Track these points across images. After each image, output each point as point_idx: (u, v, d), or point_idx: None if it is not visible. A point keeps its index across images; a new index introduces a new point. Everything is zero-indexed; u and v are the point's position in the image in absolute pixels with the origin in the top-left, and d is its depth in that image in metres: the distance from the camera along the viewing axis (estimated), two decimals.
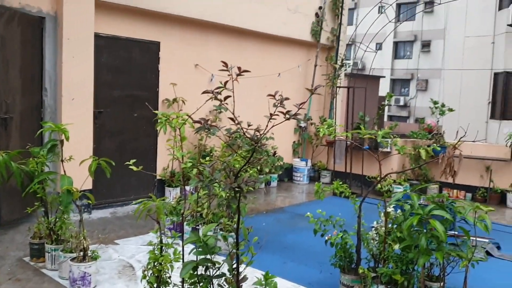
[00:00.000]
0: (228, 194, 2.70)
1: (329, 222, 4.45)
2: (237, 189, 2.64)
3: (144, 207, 3.31)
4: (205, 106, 7.83)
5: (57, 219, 4.74)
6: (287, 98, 2.86)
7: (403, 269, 4.20)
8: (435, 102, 9.69)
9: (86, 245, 4.31)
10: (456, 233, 4.52)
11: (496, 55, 15.52)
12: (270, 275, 2.95)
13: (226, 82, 2.83)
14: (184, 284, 3.31)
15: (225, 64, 2.94)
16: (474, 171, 9.22)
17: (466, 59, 16.59)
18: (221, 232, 4.71)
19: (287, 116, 2.71)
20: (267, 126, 2.82)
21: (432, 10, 29.46)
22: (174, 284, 3.45)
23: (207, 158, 5.80)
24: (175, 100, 8.00)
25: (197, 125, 2.84)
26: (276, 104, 2.82)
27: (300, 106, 2.78)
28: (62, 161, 4.67)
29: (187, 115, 3.49)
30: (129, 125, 7.63)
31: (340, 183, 4.87)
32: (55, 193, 5.32)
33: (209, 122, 2.85)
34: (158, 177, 7.90)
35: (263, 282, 2.91)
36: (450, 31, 18.15)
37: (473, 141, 9.34)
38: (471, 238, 4.15)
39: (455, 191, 9.39)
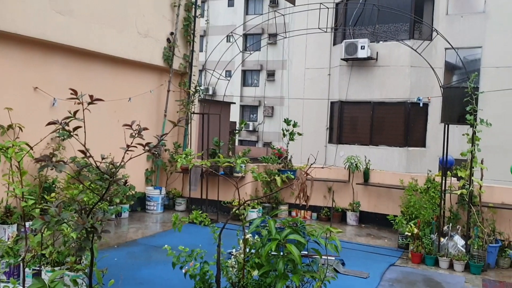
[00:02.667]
0: (79, 235, 2.42)
1: (192, 256, 4.32)
2: (90, 229, 2.38)
3: None
4: (46, 132, 7.15)
5: None
6: (145, 128, 2.71)
7: None
8: (288, 122, 10.12)
9: None
10: (306, 253, 4.73)
11: (332, 86, 17.20)
12: None
13: (76, 112, 2.58)
14: None
15: (74, 92, 2.68)
16: (319, 192, 9.93)
17: (306, 89, 18.04)
18: (69, 274, 4.25)
19: (147, 148, 2.56)
20: (123, 158, 2.63)
21: (275, 42, 31.62)
22: None
23: (53, 195, 5.24)
24: (10, 126, 7.14)
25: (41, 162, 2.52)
26: (134, 134, 2.66)
27: (162, 138, 2.65)
28: None
29: (27, 145, 3.09)
30: None
31: (200, 212, 4.78)
32: None
33: (52, 154, 2.55)
34: None
35: None
36: (292, 62, 19.63)
37: (322, 167, 10.08)
38: (323, 257, 4.40)
39: (302, 211, 9.99)
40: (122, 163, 2.60)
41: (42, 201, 5.09)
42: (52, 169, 2.32)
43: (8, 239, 5.00)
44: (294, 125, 10.09)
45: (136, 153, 2.71)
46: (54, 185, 7.30)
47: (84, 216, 2.36)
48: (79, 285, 3.03)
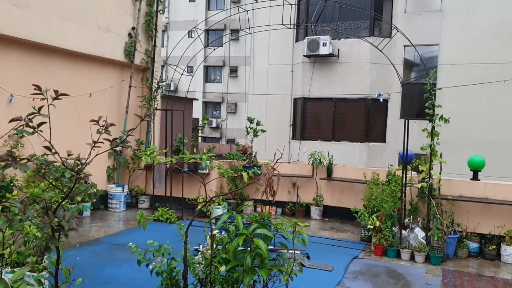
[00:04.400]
0: (45, 234, 2.35)
1: (159, 252, 4.27)
2: (57, 227, 2.32)
3: None
4: (6, 129, 6.89)
5: None
6: (112, 124, 2.65)
7: None
8: (251, 120, 10.17)
9: None
10: (273, 247, 4.77)
11: (295, 82, 17.33)
12: None
13: (40, 108, 2.50)
14: None
15: (38, 88, 2.60)
16: (283, 187, 10.01)
17: (270, 85, 18.10)
18: (32, 274, 4.12)
19: (114, 143, 2.51)
20: (89, 154, 2.57)
21: (238, 38, 31.57)
22: None
23: (14, 193, 5.05)
24: None
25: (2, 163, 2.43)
26: (100, 130, 2.60)
27: (129, 133, 2.61)
28: None
29: None
30: None
31: (165, 209, 4.73)
32: None
33: (11, 152, 2.46)
34: None
35: None
36: (255, 58, 19.65)
37: (288, 162, 10.14)
38: (290, 251, 4.44)
39: (267, 207, 10.04)
40: (89, 160, 2.54)
41: (3, 199, 4.91)
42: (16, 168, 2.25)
43: None
44: (258, 124, 10.13)
45: (103, 149, 2.66)
46: (12, 184, 7.04)
47: (51, 214, 2.29)
48: (43, 285, 2.95)
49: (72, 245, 7.01)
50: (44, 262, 4.78)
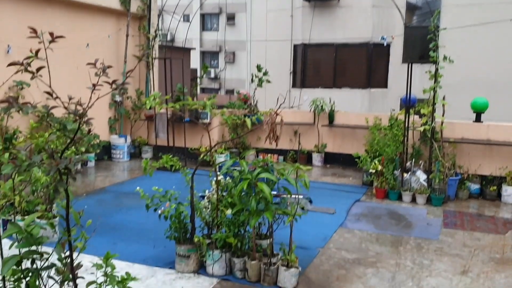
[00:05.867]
0: (54, 178, 2.37)
1: (166, 197, 4.33)
2: (64, 171, 2.33)
3: None
4: (2, 80, 6.81)
5: None
6: (109, 66, 2.61)
7: (236, 232, 4.37)
8: (260, 68, 9.91)
9: None
10: (275, 192, 4.83)
11: (295, 28, 16.97)
12: (110, 254, 2.73)
13: (37, 51, 2.45)
14: (6, 283, 2.85)
15: (34, 31, 2.54)
16: (285, 135, 10.03)
17: (269, 32, 17.73)
18: (41, 222, 4.20)
19: (114, 86, 2.48)
20: (90, 98, 2.55)
21: None
22: None
23: (20, 140, 5.05)
24: None
25: (3, 105, 2.40)
26: (98, 73, 2.56)
27: (128, 74, 2.57)
28: None
29: None
30: None
31: (170, 156, 4.76)
32: None
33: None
34: None
35: (103, 265, 2.68)
36: (253, 4, 19.15)
37: (291, 107, 10.05)
38: (293, 195, 4.52)
39: (269, 155, 10.10)
40: (91, 103, 2.52)
41: (10, 147, 4.95)
42: (13, 117, 2.23)
43: None
44: (265, 73, 9.97)
45: (103, 92, 2.63)
46: (15, 136, 7.06)
47: (57, 158, 2.30)
48: (55, 228, 3.01)
49: (79, 194, 7.11)
50: (53, 210, 4.87)
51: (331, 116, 9.71)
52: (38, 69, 2.57)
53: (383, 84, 16.02)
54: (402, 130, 7.77)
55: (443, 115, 7.45)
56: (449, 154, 7.68)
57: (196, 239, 4.32)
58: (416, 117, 8.14)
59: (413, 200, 7.19)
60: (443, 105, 7.42)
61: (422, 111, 7.49)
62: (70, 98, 2.55)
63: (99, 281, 2.77)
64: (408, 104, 7.56)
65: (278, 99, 4.29)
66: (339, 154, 9.85)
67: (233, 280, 4.23)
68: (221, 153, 9.35)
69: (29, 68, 2.53)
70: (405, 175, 7.39)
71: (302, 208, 6.42)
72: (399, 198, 7.27)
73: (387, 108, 10.31)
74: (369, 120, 9.13)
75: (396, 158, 7.69)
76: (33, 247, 2.66)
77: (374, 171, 7.52)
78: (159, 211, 4.33)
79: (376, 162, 7.55)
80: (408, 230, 5.90)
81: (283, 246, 4.24)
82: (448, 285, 4.26)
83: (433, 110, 7.34)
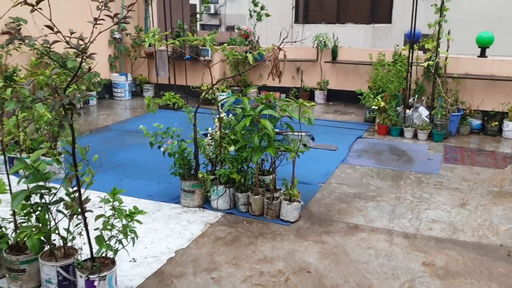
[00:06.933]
0: (58, 114, 2.38)
1: (168, 134, 4.35)
2: (68, 106, 2.34)
3: None
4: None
5: None
6: (112, 0, 2.54)
7: (239, 168, 4.44)
8: (255, 3, 9.68)
9: None
10: (278, 130, 4.86)
11: None
12: (117, 189, 2.80)
13: None
14: (16, 217, 2.95)
15: None
16: (287, 73, 9.92)
17: None
18: (46, 159, 4.26)
19: (116, 20, 2.42)
20: (92, 32, 2.50)
21: None
22: (3, 219, 3.06)
23: (22, 76, 5.02)
24: None
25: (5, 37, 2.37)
26: (100, 7, 2.50)
27: (130, 8, 2.51)
28: None
29: None
30: None
31: (172, 93, 4.74)
32: None
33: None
34: None
35: (111, 199, 2.75)
36: None
37: (294, 42, 9.86)
38: (295, 133, 4.54)
39: (271, 93, 10.02)
40: (92, 38, 2.48)
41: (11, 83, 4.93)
42: (11, 55, 2.20)
43: None
44: (262, 8, 9.71)
45: (104, 27, 2.58)
46: (15, 74, 7.00)
47: (61, 93, 2.30)
48: (61, 163, 3.06)
49: (82, 132, 7.15)
50: (58, 148, 4.93)
51: (334, 52, 9.56)
52: (38, 1, 2.51)
53: (387, 19, 15.59)
54: (406, 66, 7.68)
55: (447, 50, 7.33)
56: (452, 90, 7.63)
57: (200, 175, 4.40)
58: (420, 52, 8.01)
59: (415, 136, 7.23)
60: (448, 40, 7.27)
61: (426, 46, 7.35)
62: (71, 32, 2.50)
63: (107, 214, 2.86)
64: (412, 39, 7.41)
65: (281, 33, 4.19)
66: (341, 91, 9.80)
67: (237, 214, 4.36)
68: (223, 91, 9.29)
69: (28, 0, 2.47)
70: (407, 111, 7.39)
71: (305, 145, 6.52)
72: (401, 134, 7.30)
73: (391, 44, 10.13)
74: (372, 56, 9.00)
75: (399, 94, 7.65)
76: (41, 183, 2.72)
77: (376, 107, 7.51)
78: (163, 148, 4.38)
79: (379, 98, 7.52)
80: (408, 165, 5.99)
81: (286, 182, 4.32)
82: (447, 217, 4.38)
83: (438, 45, 7.21)
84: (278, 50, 4.21)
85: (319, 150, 6.50)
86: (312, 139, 7.00)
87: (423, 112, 7.35)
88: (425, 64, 7.46)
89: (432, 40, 7.31)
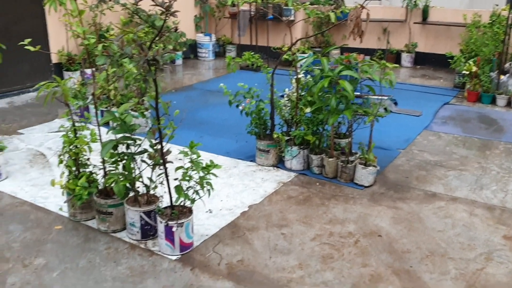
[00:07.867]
0: (142, 69, 2.52)
1: (249, 94, 4.44)
2: (152, 62, 2.47)
3: (48, 90, 3.03)
4: None
5: None
6: None
7: (314, 130, 4.43)
8: None
9: None
10: (359, 93, 4.75)
11: None
12: (195, 143, 2.94)
13: None
14: (105, 164, 3.22)
15: None
16: (372, 33, 9.56)
17: None
18: (133, 113, 4.55)
19: None
20: None
21: None
22: (94, 166, 3.35)
23: (112, 32, 5.31)
24: None
25: None
26: None
27: None
28: None
29: None
30: (9, 6, 6.78)
31: (252, 53, 4.79)
32: None
33: None
34: (54, 61, 7.35)
35: (189, 152, 2.90)
36: None
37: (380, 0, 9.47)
38: (376, 96, 4.42)
39: (354, 54, 9.75)
40: None
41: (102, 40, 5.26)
42: (105, 14, 2.33)
43: (73, 84, 5.31)
44: None
45: None
46: (108, 32, 7.41)
47: (146, 49, 2.43)
48: (146, 117, 3.25)
49: (168, 90, 7.50)
50: (145, 103, 5.22)
51: (425, 12, 9.04)
52: None
53: None
54: (504, 28, 7.08)
55: None
56: None
57: (275, 135, 4.46)
58: None
59: (508, 104, 6.73)
60: None
61: None
62: None
63: (186, 166, 3.03)
64: None
65: None
66: (430, 54, 9.29)
67: (310, 175, 4.39)
68: (304, 52, 9.17)
69: None
70: (502, 77, 6.86)
71: (385, 109, 6.33)
72: (493, 101, 6.83)
73: (489, 4, 9.33)
74: (467, 17, 8.39)
75: (493, 58, 7.11)
76: (127, 134, 2.93)
77: (468, 72, 7.05)
78: (241, 107, 4.48)
79: (471, 62, 7.04)
80: (498, 134, 5.62)
81: (362, 146, 4.26)
82: None
83: None
84: (361, 8, 4.07)
85: (402, 115, 6.29)
86: (395, 103, 6.77)
87: None
88: None
89: None
